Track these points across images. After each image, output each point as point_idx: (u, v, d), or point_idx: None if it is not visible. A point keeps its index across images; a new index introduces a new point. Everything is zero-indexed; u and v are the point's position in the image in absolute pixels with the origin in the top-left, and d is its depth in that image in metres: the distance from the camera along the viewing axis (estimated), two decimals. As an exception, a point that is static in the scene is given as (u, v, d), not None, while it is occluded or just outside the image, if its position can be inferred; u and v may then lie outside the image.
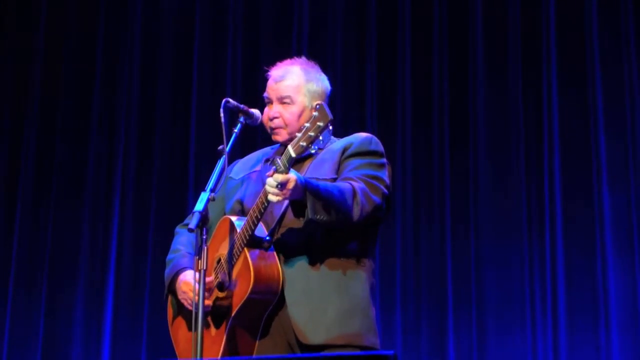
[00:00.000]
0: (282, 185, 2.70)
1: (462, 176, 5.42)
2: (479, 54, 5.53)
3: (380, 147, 3.09)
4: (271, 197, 2.74)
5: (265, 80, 3.21)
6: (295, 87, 3.11)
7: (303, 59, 3.22)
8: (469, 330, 5.23)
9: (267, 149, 3.28)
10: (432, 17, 5.62)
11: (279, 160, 2.70)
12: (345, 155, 3.04)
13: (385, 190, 2.99)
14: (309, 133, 2.67)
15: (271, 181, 2.71)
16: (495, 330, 5.20)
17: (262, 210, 2.85)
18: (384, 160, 3.08)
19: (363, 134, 3.13)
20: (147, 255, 5.62)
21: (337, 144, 3.08)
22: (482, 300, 5.24)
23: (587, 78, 5.36)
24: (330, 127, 2.67)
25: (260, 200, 2.84)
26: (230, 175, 3.23)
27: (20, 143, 5.89)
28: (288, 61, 3.20)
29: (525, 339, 5.14)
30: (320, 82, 3.17)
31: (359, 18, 5.75)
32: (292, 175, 2.71)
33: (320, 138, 2.67)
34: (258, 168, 3.18)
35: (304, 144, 2.67)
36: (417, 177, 5.49)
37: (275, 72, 3.17)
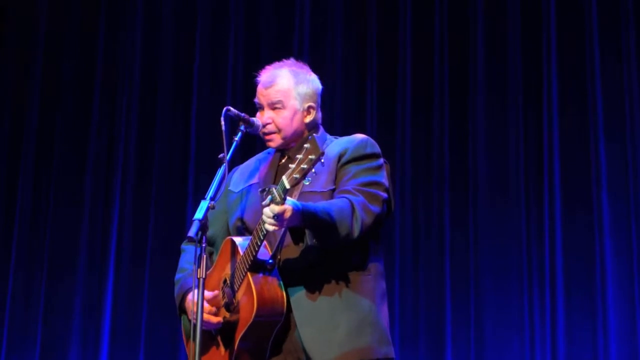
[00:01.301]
0: (278, 217, 2.71)
1: (461, 182, 5.42)
2: (480, 58, 5.53)
3: (376, 149, 3.07)
4: (268, 227, 2.74)
5: (255, 85, 3.18)
6: (285, 91, 3.09)
7: (291, 60, 3.19)
8: (467, 338, 5.22)
9: (262, 155, 3.27)
10: (433, 20, 5.62)
11: (274, 191, 2.70)
12: (342, 162, 3.02)
13: (385, 195, 2.97)
14: (302, 165, 2.67)
15: (267, 212, 2.71)
16: (493, 338, 5.19)
17: (262, 238, 2.85)
18: (381, 161, 3.06)
19: (358, 137, 3.10)
20: (145, 260, 5.61)
21: (333, 148, 3.06)
22: (480, 308, 5.24)
23: (587, 84, 5.36)
24: (322, 160, 2.67)
25: (259, 226, 2.84)
26: (230, 187, 3.22)
27: (19, 146, 5.89)
28: (276, 64, 3.17)
29: (523, 347, 5.14)
30: (311, 83, 3.14)
31: (359, 22, 5.75)
32: (288, 206, 2.72)
33: (314, 171, 2.67)
34: (255, 180, 3.16)
35: (297, 176, 2.67)
36: (416, 182, 5.48)
37: (264, 76, 3.14)
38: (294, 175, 2.68)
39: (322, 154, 2.66)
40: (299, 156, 2.69)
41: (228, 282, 2.99)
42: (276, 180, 3.05)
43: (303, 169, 2.67)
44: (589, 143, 5.29)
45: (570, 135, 5.34)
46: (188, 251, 3.22)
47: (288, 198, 2.73)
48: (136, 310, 5.57)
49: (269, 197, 2.71)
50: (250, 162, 3.29)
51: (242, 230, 3.07)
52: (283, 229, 2.92)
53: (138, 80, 5.90)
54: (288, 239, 2.93)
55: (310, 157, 2.67)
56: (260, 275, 2.91)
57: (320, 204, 2.87)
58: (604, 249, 5.15)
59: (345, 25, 5.76)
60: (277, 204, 2.70)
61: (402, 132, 5.53)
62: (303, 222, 2.77)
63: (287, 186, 2.69)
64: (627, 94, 5.32)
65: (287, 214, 2.71)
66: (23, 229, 5.78)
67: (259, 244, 2.86)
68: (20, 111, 5.95)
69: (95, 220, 5.74)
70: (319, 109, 3.16)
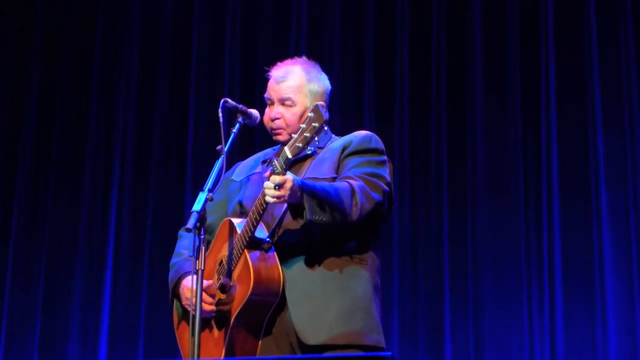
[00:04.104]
0: (279, 186, 2.71)
1: (459, 177, 5.42)
2: (477, 55, 5.53)
3: (380, 145, 3.09)
4: (269, 199, 2.74)
5: (264, 80, 3.20)
6: (297, 87, 3.12)
7: (304, 58, 3.23)
8: (466, 330, 5.22)
9: (268, 150, 3.29)
10: (431, 17, 5.62)
11: (276, 162, 2.71)
12: (345, 153, 3.04)
13: (386, 188, 2.99)
14: (305, 134, 2.69)
15: (268, 183, 2.72)
16: (492, 329, 5.19)
17: (261, 212, 2.85)
18: (384, 157, 3.08)
19: (363, 132, 3.13)
20: (144, 253, 5.62)
21: (337, 142, 3.09)
22: (479, 300, 5.24)
23: (585, 77, 5.36)
24: (326, 128, 2.69)
25: (259, 201, 2.84)
26: (232, 177, 3.23)
27: (18, 140, 5.91)
28: (289, 61, 3.20)
29: (522, 339, 5.14)
30: (321, 82, 3.18)
31: (357, 19, 5.75)
32: (289, 177, 2.73)
33: (316, 139, 2.69)
34: (258, 170, 3.18)
35: (300, 145, 2.69)
36: (414, 178, 5.48)
37: (276, 72, 3.17)
38: (297, 144, 2.70)
39: (326, 121, 2.68)
40: (302, 125, 2.71)
41: (224, 262, 2.99)
42: None
43: (306, 137, 2.69)
44: (587, 134, 5.29)
45: (569, 126, 5.34)
46: (185, 237, 3.23)
47: (289, 172, 2.74)
48: (135, 304, 5.57)
49: (271, 168, 2.72)
50: (255, 156, 3.32)
51: (240, 215, 3.08)
52: (282, 209, 2.93)
53: (136, 74, 5.91)
54: (286, 219, 2.94)
55: (313, 124, 2.69)
56: (258, 253, 2.90)
57: (321, 183, 2.88)
58: (602, 240, 5.15)
59: (343, 20, 5.76)
60: (278, 174, 2.70)
61: (400, 129, 5.53)
62: (302, 198, 2.77)
63: (289, 156, 2.71)
64: (625, 84, 5.32)
65: (288, 184, 2.71)
66: (21, 223, 5.78)
67: (259, 219, 2.87)
68: (18, 106, 5.95)
69: (93, 214, 5.75)
70: (327, 108, 3.17)
